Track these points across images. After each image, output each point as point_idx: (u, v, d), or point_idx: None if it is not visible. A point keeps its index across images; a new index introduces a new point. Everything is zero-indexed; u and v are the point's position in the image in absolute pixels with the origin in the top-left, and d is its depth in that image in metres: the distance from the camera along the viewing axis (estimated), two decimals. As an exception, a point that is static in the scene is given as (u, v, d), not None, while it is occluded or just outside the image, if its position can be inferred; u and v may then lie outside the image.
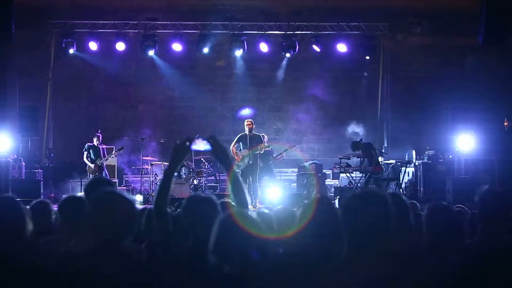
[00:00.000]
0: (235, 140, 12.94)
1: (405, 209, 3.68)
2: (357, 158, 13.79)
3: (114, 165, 14.95)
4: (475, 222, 4.06)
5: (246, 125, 12.86)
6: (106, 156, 13.77)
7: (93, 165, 13.59)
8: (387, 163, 14.41)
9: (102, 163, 13.71)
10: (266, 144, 13.04)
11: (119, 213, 2.88)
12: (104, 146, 13.91)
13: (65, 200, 4.24)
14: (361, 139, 15.17)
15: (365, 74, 16.32)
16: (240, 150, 12.98)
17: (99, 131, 13.98)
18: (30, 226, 3.29)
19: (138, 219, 3.07)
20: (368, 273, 2.63)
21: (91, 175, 13.56)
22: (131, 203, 2.94)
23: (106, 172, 13.88)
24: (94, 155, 13.66)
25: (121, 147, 13.91)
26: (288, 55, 15.75)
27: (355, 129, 16.17)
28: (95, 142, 13.69)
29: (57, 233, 4.40)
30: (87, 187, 4.01)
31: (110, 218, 2.86)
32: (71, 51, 15.47)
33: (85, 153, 13.71)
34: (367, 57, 15.96)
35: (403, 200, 3.75)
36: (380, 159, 13.93)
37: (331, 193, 14.50)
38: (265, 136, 13.59)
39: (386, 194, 2.82)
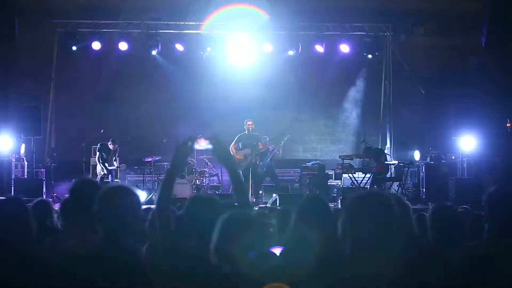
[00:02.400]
0: (235, 140, 12.96)
1: (406, 210, 3.69)
2: (364, 158, 13.83)
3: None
4: (479, 223, 4.05)
5: (248, 125, 12.87)
6: (117, 164, 13.80)
7: (104, 167, 13.63)
8: (390, 164, 14.41)
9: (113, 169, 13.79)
10: (268, 142, 13.07)
11: (125, 206, 2.88)
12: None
13: (67, 200, 4.22)
14: (364, 139, 15.20)
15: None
16: (240, 150, 13.00)
17: (101, 131, 14.01)
18: (35, 226, 3.30)
19: (142, 217, 3.07)
20: (371, 273, 2.62)
21: (99, 176, 13.58)
22: (138, 197, 2.95)
23: (113, 174, 13.90)
24: (105, 154, 13.71)
25: (124, 165, 14.02)
26: (291, 52, 15.70)
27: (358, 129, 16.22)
28: (110, 146, 13.71)
29: (60, 232, 4.40)
30: (75, 188, 3.91)
31: (116, 211, 2.86)
32: (74, 49, 15.48)
33: (98, 153, 13.80)
34: (369, 56, 15.91)
35: (403, 201, 3.76)
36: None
37: (334, 193, 14.51)
38: (267, 138, 13.61)
39: (389, 195, 2.82)
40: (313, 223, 3.69)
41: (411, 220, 3.67)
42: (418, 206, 11.31)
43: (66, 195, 3.92)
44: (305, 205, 3.81)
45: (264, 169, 13.26)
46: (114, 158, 13.78)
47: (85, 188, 3.80)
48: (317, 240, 3.63)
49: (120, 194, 2.93)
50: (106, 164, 13.69)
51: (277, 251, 3.36)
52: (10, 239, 3.14)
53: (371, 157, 13.55)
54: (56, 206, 5.14)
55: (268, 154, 13.20)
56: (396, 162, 14.50)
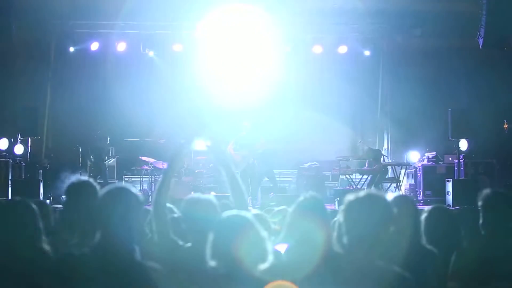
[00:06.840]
0: (232, 140, 12.96)
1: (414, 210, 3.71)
2: (361, 160, 13.87)
3: (114, 166, 14.97)
4: (475, 224, 4.06)
5: (244, 125, 12.87)
6: (107, 158, 13.83)
7: (93, 163, 13.67)
8: (387, 165, 14.42)
9: (104, 165, 13.78)
10: (265, 143, 13.09)
11: (126, 207, 2.87)
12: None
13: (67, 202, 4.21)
14: (361, 140, 15.22)
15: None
16: (237, 150, 13.00)
17: (98, 132, 14.00)
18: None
19: (142, 217, 3.05)
20: (368, 273, 2.63)
21: (91, 174, 13.61)
22: (138, 198, 2.94)
23: (106, 174, 13.89)
24: (94, 156, 13.75)
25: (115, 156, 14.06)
26: (287, 49, 15.66)
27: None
28: (98, 143, 13.78)
29: (57, 233, 4.39)
30: (70, 189, 3.87)
31: (117, 211, 2.85)
32: (71, 50, 15.47)
33: (91, 155, 13.89)
34: (367, 53, 15.87)
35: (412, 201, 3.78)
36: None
37: (331, 195, 14.51)
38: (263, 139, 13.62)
39: (386, 196, 2.82)
40: (309, 220, 3.68)
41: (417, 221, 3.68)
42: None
43: (63, 197, 3.91)
44: (301, 202, 3.81)
45: (262, 170, 13.32)
46: (106, 158, 13.79)
47: (81, 189, 3.80)
48: (313, 238, 3.63)
49: (120, 194, 2.92)
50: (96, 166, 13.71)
51: (280, 248, 3.35)
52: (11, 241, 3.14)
53: (372, 160, 13.59)
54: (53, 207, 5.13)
55: (270, 156, 13.28)
56: (393, 163, 14.52)
